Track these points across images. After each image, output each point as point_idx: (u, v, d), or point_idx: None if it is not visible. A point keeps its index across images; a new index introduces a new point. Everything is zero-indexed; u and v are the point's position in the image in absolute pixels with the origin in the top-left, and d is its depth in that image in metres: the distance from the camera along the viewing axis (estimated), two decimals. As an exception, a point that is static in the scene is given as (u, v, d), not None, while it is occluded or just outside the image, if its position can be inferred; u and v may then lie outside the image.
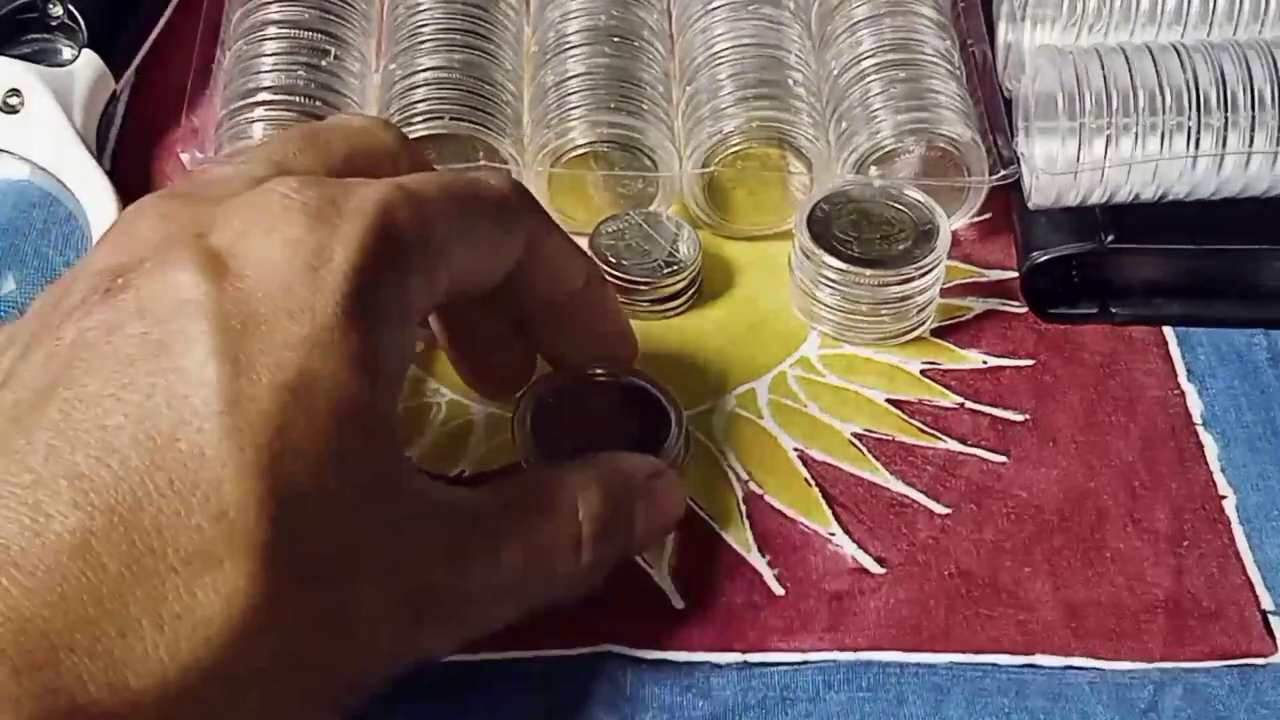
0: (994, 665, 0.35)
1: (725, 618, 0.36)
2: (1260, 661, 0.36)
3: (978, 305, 0.44)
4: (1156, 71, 0.41)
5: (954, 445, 0.40)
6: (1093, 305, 0.44)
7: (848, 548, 0.38)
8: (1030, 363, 0.42)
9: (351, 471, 0.28)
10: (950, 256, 0.43)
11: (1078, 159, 0.41)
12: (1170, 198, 0.42)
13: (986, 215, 0.46)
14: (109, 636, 0.25)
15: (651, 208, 0.44)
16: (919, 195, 0.42)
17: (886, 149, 0.43)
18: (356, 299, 0.28)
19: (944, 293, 0.43)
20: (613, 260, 0.42)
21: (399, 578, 0.29)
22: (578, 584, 0.34)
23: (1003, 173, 0.43)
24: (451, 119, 0.43)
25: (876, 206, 0.42)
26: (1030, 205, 0.43)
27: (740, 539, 0.38)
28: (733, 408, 0.41)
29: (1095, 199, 0.42)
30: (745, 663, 0.35)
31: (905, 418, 0.41)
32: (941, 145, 0.44)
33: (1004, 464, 0.40)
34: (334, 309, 0.28)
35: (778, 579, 0.37)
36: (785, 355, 0.42)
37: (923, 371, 0.42)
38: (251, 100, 0.44)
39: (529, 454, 0.37)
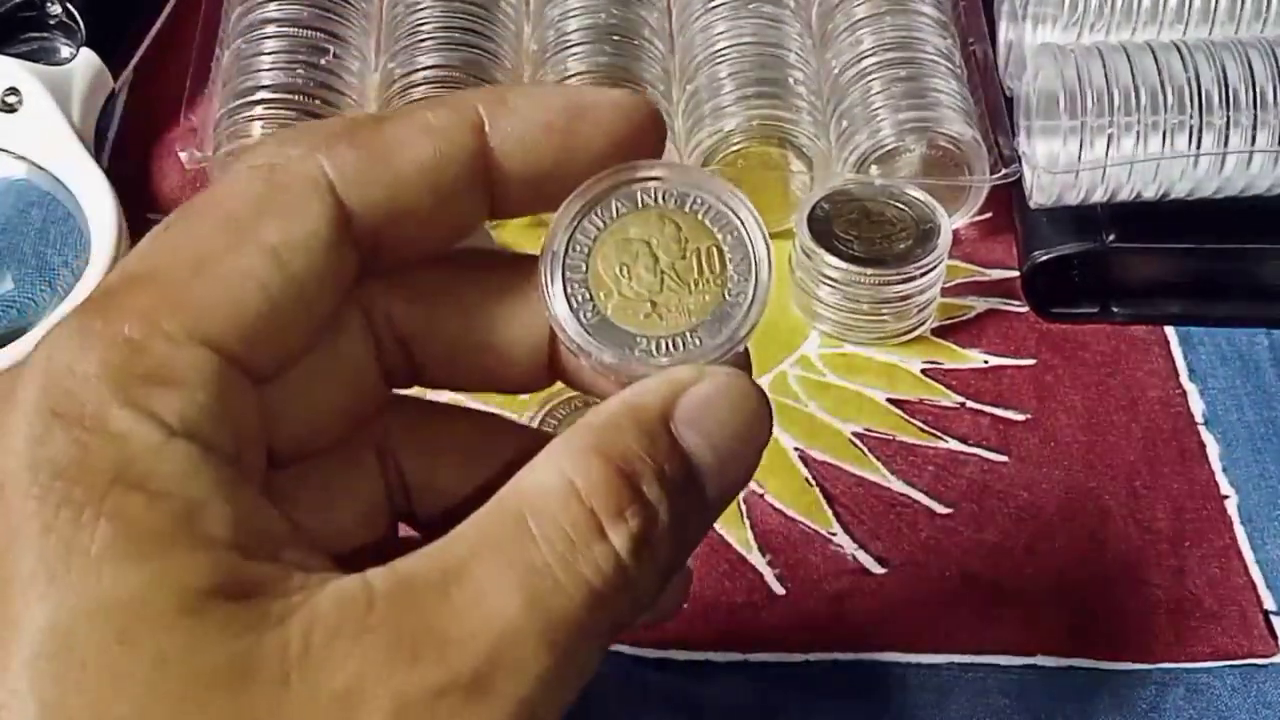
0: (995, 665, 0.35)
1: (726, 617, 0.36)
2: (1262, 662, 0.35)
3: (979, 304, 0.44)
4: (1158, 70, 0.41)
5: (955, 445, 0.40)
6: (1094, 305, 0.44)
7: (848, 547, 0.37)
8: (1031, 362, 0.42)
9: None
10: (951, 256, 0.43)
11: (1079, 158, 0.41)
12: (1172, 197, 0.42)
13: (988, 214, 0.46)
14: None
15: (652, 206, 0.44)
16: (920, 194, 0.42)
17: (887, 148, 0.43)
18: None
19: (945, 292, 0.43)
20: (613, 259, 0.42)
21: None
22: (646, 586, 0.22)
23: (1004, 172, 0.43)
24: (451, 117, 0.43)
25: (877, 205, 0.42)
26: (1032, 204, 0.43)
27: (741, 539, 0.38)
28: (733, 407, 0.41)
29: (1097, 198, 0.42)
30: (746, 662, 0.35)
31: (906, 417, 0.41)
32: (942, 144, 0.43)
33: (1005, 464, 0.40)
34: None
35: (778, 579, 0.37)
36: (785, 355, 0.42)
37: (924, 371, 0.42)
38: (250, 99, 0.44)
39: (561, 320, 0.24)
